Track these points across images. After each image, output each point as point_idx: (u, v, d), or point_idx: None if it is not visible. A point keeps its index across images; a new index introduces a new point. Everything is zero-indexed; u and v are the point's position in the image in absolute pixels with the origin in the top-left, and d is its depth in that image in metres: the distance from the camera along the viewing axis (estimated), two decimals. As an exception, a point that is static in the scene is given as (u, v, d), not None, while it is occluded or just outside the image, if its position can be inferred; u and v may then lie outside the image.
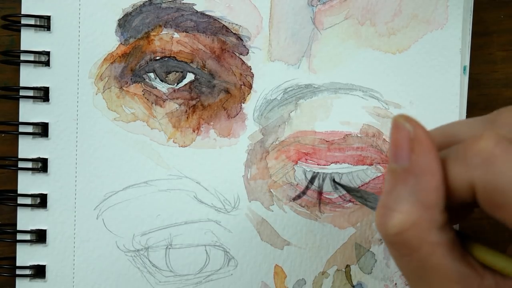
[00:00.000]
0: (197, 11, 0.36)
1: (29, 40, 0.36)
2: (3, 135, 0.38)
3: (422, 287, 0.23)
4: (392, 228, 0.22)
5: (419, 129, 0.23)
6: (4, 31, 0.37)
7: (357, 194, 0.31)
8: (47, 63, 0.36)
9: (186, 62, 0.36)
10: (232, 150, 0.36)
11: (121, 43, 0.36)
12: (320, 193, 0.36)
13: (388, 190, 0.23)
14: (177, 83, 0.36)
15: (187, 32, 0.36)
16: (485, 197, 0.21)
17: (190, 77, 0.36)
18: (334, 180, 0.36)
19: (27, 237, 0.36)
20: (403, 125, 0.23)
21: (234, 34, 0.36)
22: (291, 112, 0.36)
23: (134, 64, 0.36)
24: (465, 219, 0.27)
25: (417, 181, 0.22)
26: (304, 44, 0.36)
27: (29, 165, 0.36)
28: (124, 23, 0.36)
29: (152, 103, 0.36)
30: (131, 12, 0.36)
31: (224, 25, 0.36)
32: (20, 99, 0.36)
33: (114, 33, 0.36)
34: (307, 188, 0.36)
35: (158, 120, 0.36)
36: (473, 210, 0.26)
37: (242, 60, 0.36)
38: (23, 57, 0.36)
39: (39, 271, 0.36)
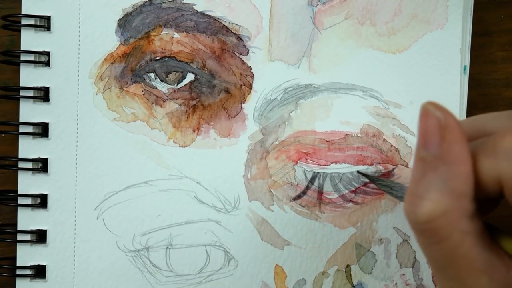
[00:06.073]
0: (197, 11, 0.36)
1: (29, 40, 0.36)
2: (3, 135, 0.38)
3: (448, 275, 0.23)
4: (422, 216, 0.22)
5: (450, 117, 0.22)
6: (4, 31, 0.37)
7: (382, 183, 0.31)
8: (47, 63, 0.36)
9: (186, 62, 0.36)
10: (232, 150, 0.36)
11: (121, 43, 0.36)
12: (320, 193, 0.36)
13: (417, 178, 0.23)
14: (177, 83, 0.36)
15: (187, 32, 0.36)
16: None
17: (190, 77, 0.36)
18: (358, 171, 0.35)
19: (28, 237, 0.36)
20: (433, 112, 0.22)
21: (234, 34, 0.36)
22: (291, 112, 0.36)
23: (134, 64, 0.36)
24: (491, 212, 0.26)
25: (448, 169, 0.22)
26: (304, 44, 0.36)
27: (29, 165, 0.36)
28: (124, 23, 0.36)
29: (152, 103, 0.36)
30: (131, 12, 0.36)
31: (224, 25, 0.36)
32: (20, 99, 0.36)
33: (114, 33, 0.36)
34: (307, 188, 0.36)
35: (158, 120, 0.36)
36: (498, 204, 0.26)
37: (242, 60, 0.36)
38: (23, 57, 0.36)
39: (39, 271, 0.36)
